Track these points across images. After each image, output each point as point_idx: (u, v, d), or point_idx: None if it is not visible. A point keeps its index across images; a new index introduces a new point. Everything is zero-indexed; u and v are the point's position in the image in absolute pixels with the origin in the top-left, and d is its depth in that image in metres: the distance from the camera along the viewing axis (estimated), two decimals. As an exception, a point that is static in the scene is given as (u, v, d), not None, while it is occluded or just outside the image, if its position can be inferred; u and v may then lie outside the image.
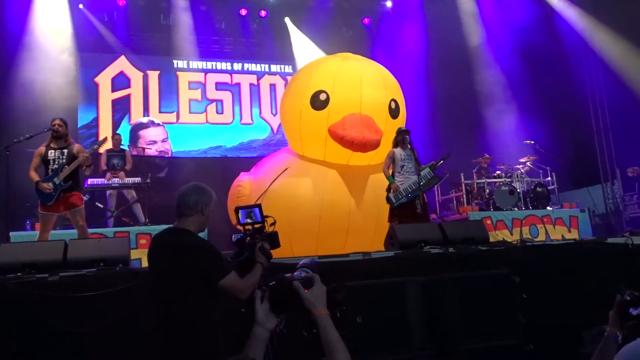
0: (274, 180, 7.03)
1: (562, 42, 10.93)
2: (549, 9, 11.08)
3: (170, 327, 2.60)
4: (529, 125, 10.67)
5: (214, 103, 11.88)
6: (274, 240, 2.97)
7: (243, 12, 11.73)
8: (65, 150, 5.70)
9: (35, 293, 3.83)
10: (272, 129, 12.22)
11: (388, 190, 6.40)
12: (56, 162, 5.65)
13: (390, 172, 6.47)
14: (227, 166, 10.28)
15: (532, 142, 9.97)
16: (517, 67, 11.05)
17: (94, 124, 11.01)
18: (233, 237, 2.99)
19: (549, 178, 9.81)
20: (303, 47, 12.02)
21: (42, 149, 5.70)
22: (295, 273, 1.73)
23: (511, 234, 8.40)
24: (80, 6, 10.54)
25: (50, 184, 5.48)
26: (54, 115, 6.65)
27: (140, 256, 6.83)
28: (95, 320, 3.82)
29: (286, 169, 7.29)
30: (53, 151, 5.68)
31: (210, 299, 2.64)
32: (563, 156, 10.16)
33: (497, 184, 9.23)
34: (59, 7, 10.03)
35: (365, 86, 7.49)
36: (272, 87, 12.31)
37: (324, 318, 1.63)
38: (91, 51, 10.92)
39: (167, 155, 11.25)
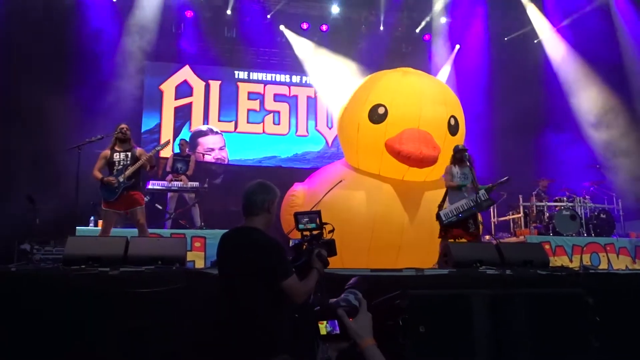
0: (328, 192, 7.03)
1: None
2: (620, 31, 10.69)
3: (238, 323, 2.64)
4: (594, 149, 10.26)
5: (272, 114, 12.09)
6: (331, 247, 2.97)
7: (304, 26, 11.91)
8: (129, 153, 6.03)
9: (95, 286, 3.98)
10: (326, 141, 12.29)
11: (440, 207, 6.30)
12: (121, 164, 5.96)
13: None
14: (281, 176, 10.41)
15: (598, 166, 9.56)
16: (583, 87, 10.68)
17: (157, 129, 11.42)
18: (290, 242, 3.02)
19: (614, 205, 9.35)
20: (362, 61, 12.03)
21: (107, 152, 6.03)
22: (342, 295, 1.69)
23: (570, 261, 8.04)
24: (151, 16, 11.00)
25: (115, 178, 5.78)
26: (120, 119, 6.98)
27: (194, 258, 7.00)
28: (150, 317, 3.92)
29: (341, 180, 7.28)
30: (118, 154, 6.00)
31: (278, 297, 2.65)
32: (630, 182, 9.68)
33: (558, 207, 8.88)
34: (133, 16, 10.50)
35: (425, 101, 7.42)
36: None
37: (371, 349, 1.56)
38: (158, 60, 11.38)
39: (223, 163, 11.52)
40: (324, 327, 1.62)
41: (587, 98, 10.74)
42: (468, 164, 6.32)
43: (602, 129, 10.44)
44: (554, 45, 11.48)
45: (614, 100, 10.45)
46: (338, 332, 1.60)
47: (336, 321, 1.60)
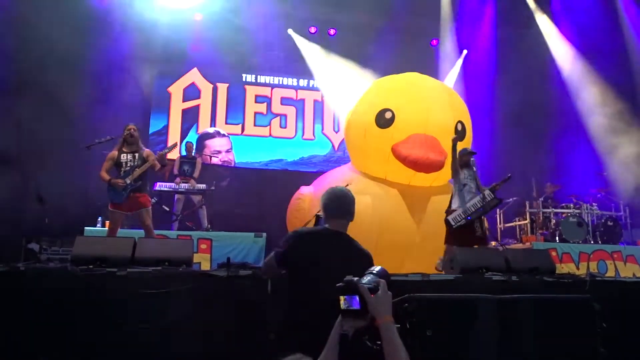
0: (334, 195, 7.03)
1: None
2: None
3: (311, 320, 2.56)
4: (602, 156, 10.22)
5: (278, 117, 12.11)
6: None
7: (312, 30, 11.95)
8: (137, 154, 6.03)
9: (103, 286, 4.01)
10: (333, 145, 12.30)
11: (447, 212, 6.27)
12: (128, 165, 5.96)
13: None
14: (287, 179, 10.41)
15: (605, 173, 9.51)
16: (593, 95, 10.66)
17: (164, 131, 11.46)
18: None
19: (622, 212, 9.31)
20: (370, 66, 12.05)
21: (115, 153, 6.02)
22: (363, 278, 1.73)
23: (577, 269, 7.99)
24: (161, 18, 11.05)
25: (123, 180, 5.81)
26: (128, 120, 6.99)
27: (199, 260, 7.00)
28: (156, 318, 3.94)
29: (347, 184, 7.27)
30: (125, 155, 6.00)
31: None
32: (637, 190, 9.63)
33: (565, 214, 8.84)
34: (143, 17, 10.55)
35: (432, 106, 7.43)
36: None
37: (388, 325, 1.59)
38: (166, 62, 11.44)
39: (230, 165, 11.55)
40: (342, 302, 1.66)
41: (595, 99, 10.70)
42: (474, 167, 6.30)
43: (610, 130, 10.40)
44: (561, 48, 11.47)
45: (621, 102, 10.42)
46: (355, 308, 1.63)
47: (356, 297, 1.63)
